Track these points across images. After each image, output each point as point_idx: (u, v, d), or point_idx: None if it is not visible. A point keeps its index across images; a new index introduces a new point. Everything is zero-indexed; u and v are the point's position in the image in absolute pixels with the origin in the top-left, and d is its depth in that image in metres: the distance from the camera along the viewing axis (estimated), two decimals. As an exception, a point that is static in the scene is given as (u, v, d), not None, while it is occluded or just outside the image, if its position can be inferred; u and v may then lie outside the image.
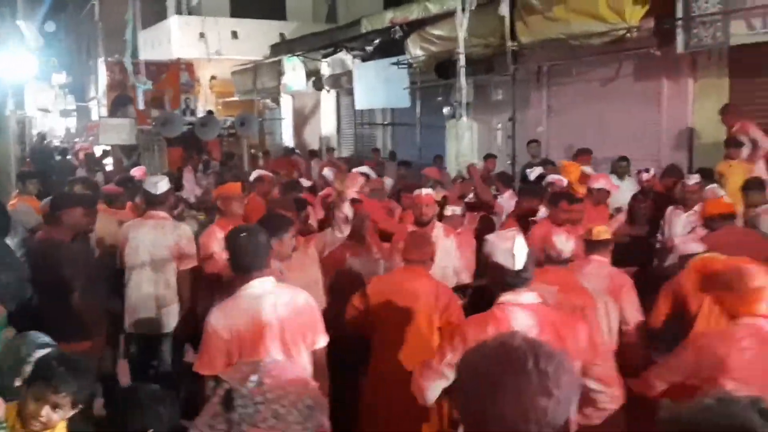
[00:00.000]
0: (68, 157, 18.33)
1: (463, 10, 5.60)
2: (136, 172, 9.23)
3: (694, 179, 6.61)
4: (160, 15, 20.82)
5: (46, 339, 2.95)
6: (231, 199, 5.56)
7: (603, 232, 4.56)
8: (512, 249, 2.85)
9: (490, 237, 3.11)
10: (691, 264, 3.84)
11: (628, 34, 8.45)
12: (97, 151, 17.52)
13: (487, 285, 3.24)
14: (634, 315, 4.31)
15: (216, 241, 4.71)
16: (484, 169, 9.26)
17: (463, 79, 5.94)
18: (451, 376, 2.76)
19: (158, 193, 5.19)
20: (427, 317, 3.91)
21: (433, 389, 2.87)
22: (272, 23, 19.80)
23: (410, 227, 5.48)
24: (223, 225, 4.85)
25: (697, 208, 6.10)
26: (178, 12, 20.23)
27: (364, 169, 7.81)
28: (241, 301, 3.20)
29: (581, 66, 10.20)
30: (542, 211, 6.31)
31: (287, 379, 1.51)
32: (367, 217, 5.20)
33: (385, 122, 15.67)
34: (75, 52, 37.47)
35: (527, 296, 2.91)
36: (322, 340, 3.35)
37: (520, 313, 2.84)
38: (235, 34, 19.03)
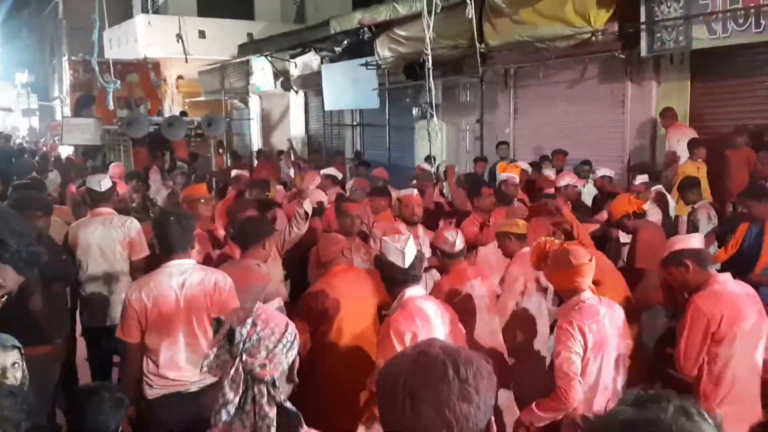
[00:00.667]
0: (32, 157, 17.94)
1: (429, 12, 5.61)
2: (114, 170, 9.08)
3: (641, 179, 6.78)
4: (126, 13, 20.54)
5: (13, 341, 2.90)
6: (197, 201, 5.55)
7: (523, 224, 4.78)
8: (403, 248, 3.22)
9: (385, 237, 3.44)
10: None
11: (593, 38, 8.58)
12: (64, 150, 17.22)
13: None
14: None
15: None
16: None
17: (431, 81, 5.96)
18: None
19: (102, 190, 5.24)
20: (371, 300, 3.99)
21: None
22: (240, 23, 19.68)
23: (401, 226, 5.49)
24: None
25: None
26: (145, 10, 19.98)
27: (331, 170, 7.82)
28: (153, 278, 3.49)
29: (547, 68, 10.32)
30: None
31: (274, 322, 1.88)
32: (357, 217, 5.21)
33: (355, 123, 15.65)
34: (38, 50, 36.78)
35: (422, 289, 3.40)
36: None
37: (428, 303, 3.30)
38: (202, 34, 18.87)
